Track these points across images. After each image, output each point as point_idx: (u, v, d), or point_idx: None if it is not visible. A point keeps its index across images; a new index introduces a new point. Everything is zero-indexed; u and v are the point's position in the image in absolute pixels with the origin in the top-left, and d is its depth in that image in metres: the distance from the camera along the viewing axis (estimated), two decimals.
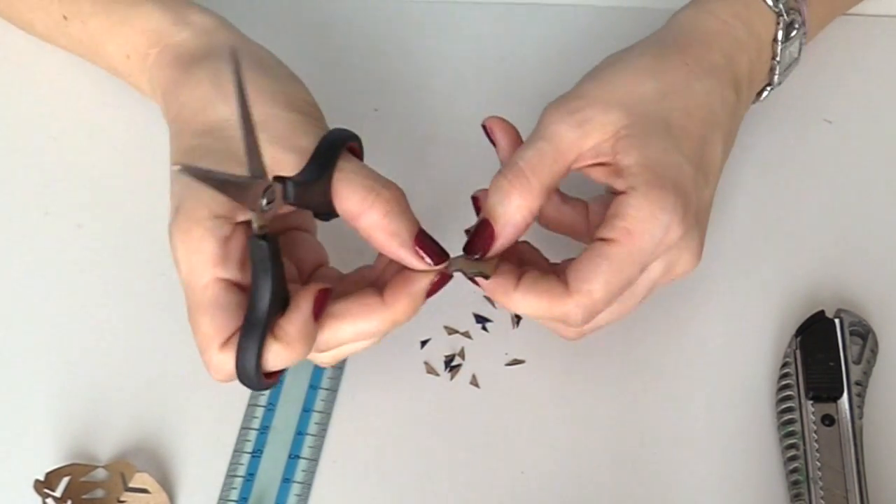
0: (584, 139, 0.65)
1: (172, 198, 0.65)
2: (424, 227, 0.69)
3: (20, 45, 0.78)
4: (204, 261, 0.62)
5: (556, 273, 0.66)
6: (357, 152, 0.66)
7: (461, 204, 0.71)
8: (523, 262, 0.67)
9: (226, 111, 0.65)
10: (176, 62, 0.70)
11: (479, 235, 0.65)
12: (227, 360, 0.62)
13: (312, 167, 0.63)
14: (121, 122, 0.78)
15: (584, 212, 0.69)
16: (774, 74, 0.73)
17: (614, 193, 0.66)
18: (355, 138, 0.66)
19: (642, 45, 0.70)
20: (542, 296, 0.64)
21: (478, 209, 0.68)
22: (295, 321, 0.62)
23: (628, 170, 0.65)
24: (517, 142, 0.68)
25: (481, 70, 0.81)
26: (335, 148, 0.64)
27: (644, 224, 0.63)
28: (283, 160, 0.63)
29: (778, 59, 0.73)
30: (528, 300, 0.65)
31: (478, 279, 0.65)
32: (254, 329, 0.61)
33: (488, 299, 0.73)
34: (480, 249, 0.65)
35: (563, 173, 0.66)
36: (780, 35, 0.72)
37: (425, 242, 0.64)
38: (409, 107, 0.80)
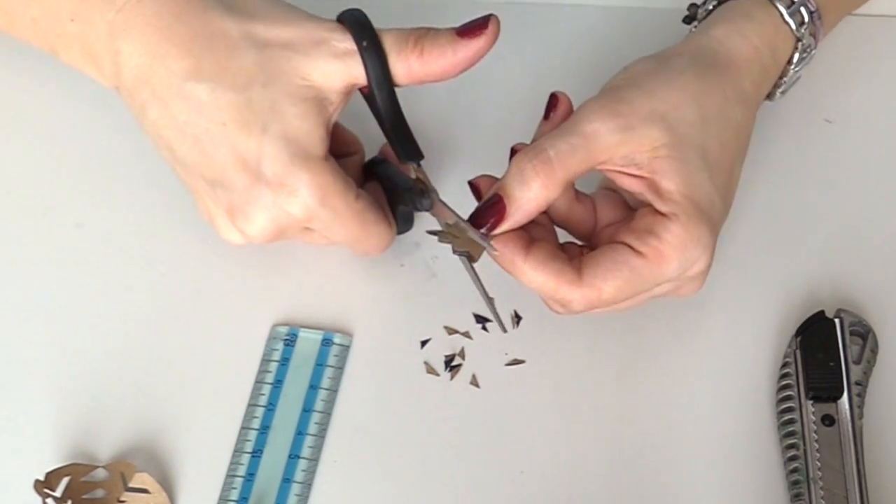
0: (621, 145, 0.65)
1: (277, 146, 0.66)
2: (422, 229, 0.70)
3: (21, 44, 0.78)
4: (343, 182, 0.67)
5: (566, 254, 0.67)
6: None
7: (461, 203, 0.71)
8: (529, 229, 0.67)
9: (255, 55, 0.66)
10: (164, 8, 0.67)
11: (490, 210, 0.66)
12: (393, 228, 0.71)
13: (372, 70, 0.67)
14: (121, 122, 0.78)
15: (592, 211, 0.69)
16: (777, 91, 0.74)
17: (647, 207, 0.67)
18: (361, 11, 0.68)
19: (682, 61, 0.69)
20: (551, 276, 0.65)
21: (477, 195, 0.68)
22: None
23: (670, 195, 0.65)
24: None
25: (480, 70, 0.81)
26: (371, 32, 0.67)
27: (676, 252, 0.65)
28: (334, 67, 0.66)
29: (786, 79, 0.73)
30: (536, 275, 0.66)
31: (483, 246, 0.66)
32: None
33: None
34: (487, 224, 0.66)
35: (588, 171, 0.66)
36: (795, 58, 0.73)
37: (464, 27, 0.67)
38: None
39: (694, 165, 0.66)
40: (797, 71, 0.74)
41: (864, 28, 0.82)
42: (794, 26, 0.72)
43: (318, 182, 0.66)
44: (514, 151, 0.68)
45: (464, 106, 0.80)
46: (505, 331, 0.69)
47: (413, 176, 0.69)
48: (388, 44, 0.67)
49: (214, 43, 0.66)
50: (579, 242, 0.70)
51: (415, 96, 0.79)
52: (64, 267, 0.75)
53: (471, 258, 0.67)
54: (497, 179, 0.67)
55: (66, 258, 0.75)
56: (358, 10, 0.68)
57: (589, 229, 0.70)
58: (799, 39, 0.72)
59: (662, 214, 0.66)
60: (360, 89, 0.68)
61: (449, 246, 0.67)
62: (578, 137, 0.65)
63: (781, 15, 0.71)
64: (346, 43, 0.67)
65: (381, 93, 0.67)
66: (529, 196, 0.65)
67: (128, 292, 0.74)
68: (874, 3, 0.81)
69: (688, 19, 0.76)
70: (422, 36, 0.67)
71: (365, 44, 0.67)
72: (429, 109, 0.79)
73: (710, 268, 0.67)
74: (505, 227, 0.66)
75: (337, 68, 0.66)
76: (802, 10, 0.72)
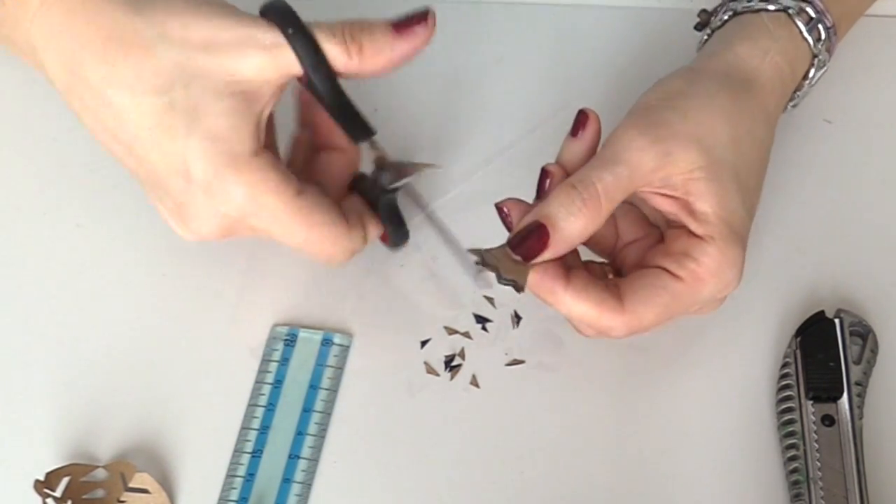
0: (660, 170, 0.65)
1: (203, 143, 0.64)
2: (422, 229, 0.70)
3: None
4: (279, 178, 0.65)
5: (598, 277, 0.67)
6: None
7: (458, 204, 0.71)
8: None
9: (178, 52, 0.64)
10: (72, 14, 0.65)
11: (532, 239, 0.64)
12: (359, 237, 0.67)
13: (305, 57, 0.64)
14: None
15: (613, 228, 0.70)
16: (790, 104, 0.74)
17: (681, 229, 0.67)
18: (283, 2, 0.65)
19: (714, 83, 0.69)
20: (593, 305, 0.65)
21: (506, 222, 0.67)
22: None
23: (705, 217, 0.66)
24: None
25: (481, 70, 0.81)
26: (296, 20, 0.64)
27: (713, 275, 0.66)
28: (263, 61, 0.64)
29: (800, 93, 0.74)
30: (578, 305, 0.65)
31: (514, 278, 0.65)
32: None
33: (488, 299, 0.73)
34: (527, 252, 0.64)
35: (629, 195, 0.66)
36: (811, 73, 0.73)
37: (401, 23, 0.65)
38: (409, 107, 0.80)
39: (728, 187, 0.66)
40: (812, 85, 0.74)
41: (865, 28, 0.82)
42: (811, 43, 0.72)
43: (246, 180, 0.64)
44: (545, 172, 0.67)
45: (470, 106, 0.80)
46: (488, 286, 0.67)
47: (373, 158, 0.68)
48: (319, 33, 0.65)
49: (128, 45, 0.64)
50: (599, 259, 0.70)
51: (414, 101, 0.79)
52: (64, 267, 0.75)
53: (518, 288, 0.65)
54: (525, 203, 0.67)
55: (66, 258, 0.75)
56: (280, 1, 0.65)
57: (611, 246, 0.70)
58: (816, 55, 0.72)
59: (697, 237, 0.66)
60: (300, 80, 0.66)
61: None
62: (623, 167, 0.65)
63: (801, 32, 0.72)
64: (272, 34, 0.64)
65: (317, 75, 0.65)
66: (577, 229, 0.64)
67: (128, 292, 0.74)
68: (874, 4, 0.81)
69: (699, 26, 0.76)
70: (357, 31, 0.65)
71: (291, 31, 0.64)
72: (432, 112, 0.80)
73: (736, 287, 0.68)
74: (546, 256, 0.65)
75: (266, 61, 0.64)
76: (820, 26, 0.72)
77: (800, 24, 0.71)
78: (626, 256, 0.70)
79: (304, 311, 0.73)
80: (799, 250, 0.75)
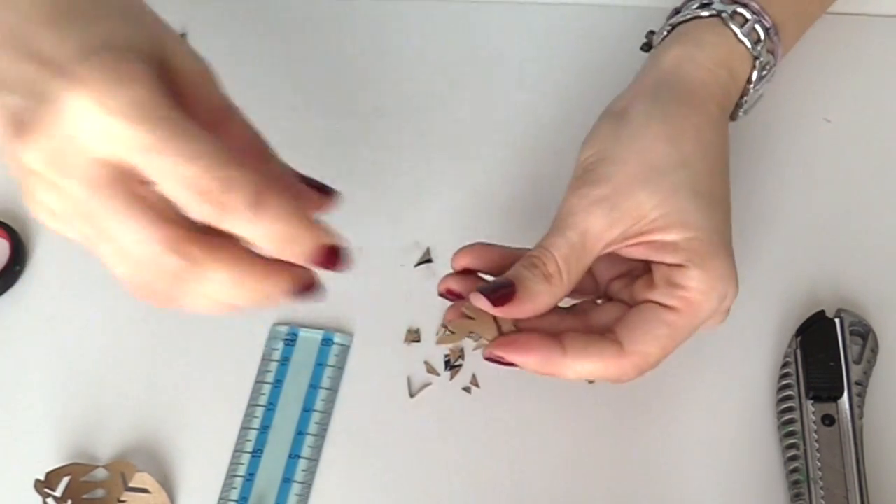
0: (613, 227, 0.65)
1: None
2: (422, 228, 0.70)
3: None
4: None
5: (579, 315, 0.67)
6: None
7: (458, 203, 0.71)
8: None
9: None
10: None
11: (501, 292, 0.64)
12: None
13: None
14: None
15: (590, 273, 0.68)
16: (739, 111, 0.72)
17: (659, 264, 0.66)
18: None
19: (642, 108, 0.67)
20: (596, 359, 0.65)
21: (451, 298, 0.67)
22: None
23: (676, 245, 0.65)
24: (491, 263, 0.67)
25: (481, 69, 0.81)
26: None
27: (704, 296, 0.65)
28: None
29: (747, 98, 0.72)
30: (582, 365, 0.65)
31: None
32: None
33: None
34: (498, 299, 0.64)
35: (591, 262, 0.66)
36: (755, 76, 0.71)
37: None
38: (409, 107, 0.80)
39: (688, 208, 0.65)
40: (758, 89, 0.72)
41: (864, 28, 0.82)
42: (749, 45, 0.70)
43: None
44: (450, 292, 0.67)
45: (470, 106, 0.80)
46: None
47: None
48: None
49: None
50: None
51: (413, 101, 0.79)
52: (64, 266, 0.75)
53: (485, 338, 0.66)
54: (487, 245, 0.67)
55: (65, 256, 0.75)
56: None
57: (593, 290, 0.69)
58: (756, 58, 0.71)
59: (678, 265, 0.65)
60: None
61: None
62: (574, 233, 0.64)
63: (735, 35, 0.70)
64: None
65: None
66: (544, 298, 0.64)
67: (128, 292, 0.74)
68: (874, 4, 0.81)
69: (646, 47, 0.75)
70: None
71: None
72: (432, 112, 0.80)
73: (736, 294, 0.67)
74: (515, 313, 0.64)
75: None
76: (757, 27, 0.70)
77: (734, 27, 0.70)
78: (614, 292, 0.69)
79: (304, 311, 0.73)
80: (799, 250, 0.75)
